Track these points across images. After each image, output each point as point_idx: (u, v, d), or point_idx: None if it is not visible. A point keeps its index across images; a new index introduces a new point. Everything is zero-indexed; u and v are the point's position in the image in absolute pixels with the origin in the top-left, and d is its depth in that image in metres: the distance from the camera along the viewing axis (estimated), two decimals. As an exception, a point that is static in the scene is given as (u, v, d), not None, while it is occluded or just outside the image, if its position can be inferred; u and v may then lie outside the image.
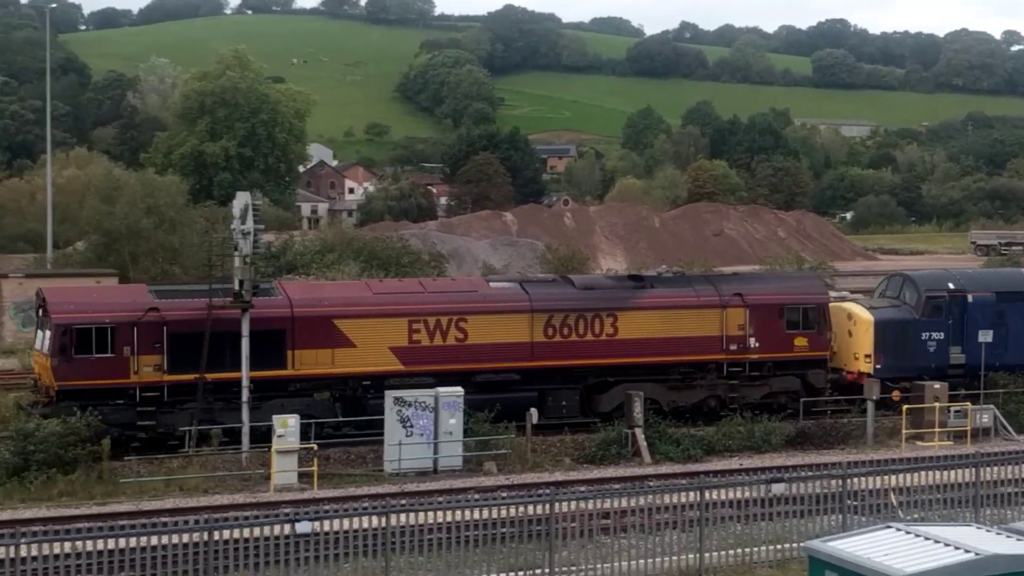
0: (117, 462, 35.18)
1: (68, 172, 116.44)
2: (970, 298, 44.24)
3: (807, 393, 42.68)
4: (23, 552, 23.79)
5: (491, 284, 42.32)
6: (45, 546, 24.21)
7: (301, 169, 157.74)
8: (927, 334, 43.78)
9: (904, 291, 44.73)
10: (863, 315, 43.74)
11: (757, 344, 42.16)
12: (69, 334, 36.32)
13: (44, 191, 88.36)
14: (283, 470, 34.98)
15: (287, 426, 35.34)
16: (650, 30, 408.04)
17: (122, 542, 24.54)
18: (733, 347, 41.97)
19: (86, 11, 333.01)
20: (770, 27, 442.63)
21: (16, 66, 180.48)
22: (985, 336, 43.78)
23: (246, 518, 25.49)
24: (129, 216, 66.44)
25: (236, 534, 24.79)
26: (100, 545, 24.41)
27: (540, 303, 40.44)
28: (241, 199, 37.80)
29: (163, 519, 29.04)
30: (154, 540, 24.64)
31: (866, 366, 43.09)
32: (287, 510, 28.92)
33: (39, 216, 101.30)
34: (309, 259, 67.71)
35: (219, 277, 37.91)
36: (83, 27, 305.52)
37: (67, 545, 24.43)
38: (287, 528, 24.90)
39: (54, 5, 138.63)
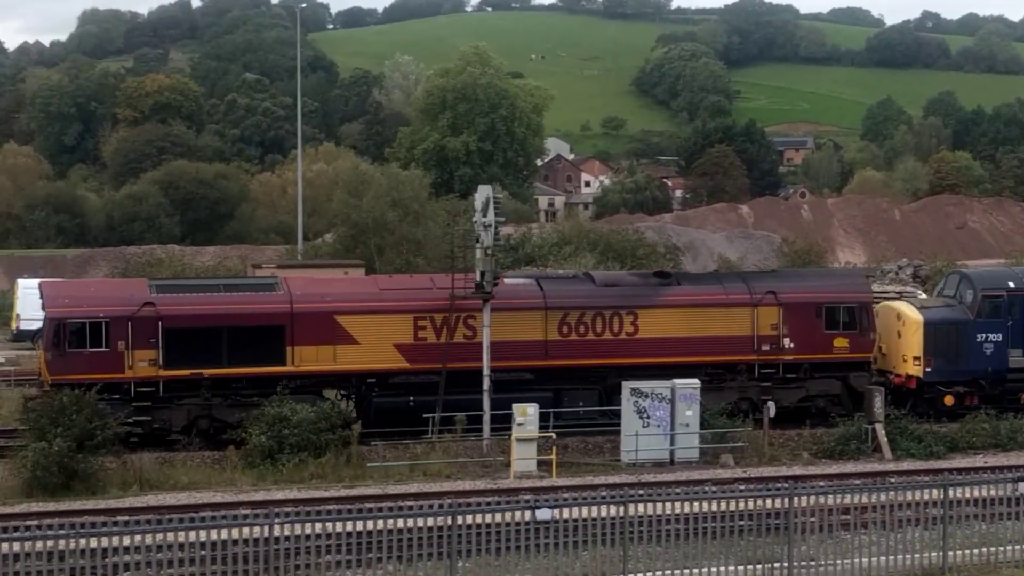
0: (364, 447, 36.30)
1: (317, 167, 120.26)
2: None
3: (850, 397, 40.52)
4: (276, 532, 24.84)
5: (506, 280, 40.30)
6: (297, 527, 25.19)
7: (539, 163, 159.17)
8: (983, 336, 40.93)
9: (961, 290, 42.12)
10: (912, 315, 41.18)
11: (792, 345, 40.23)
12: (63, 328, 36.23)
13: (294, 185, 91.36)
14: (522, 457, 35.60)
15: (526, 414, 35.94)
16: (890, 20, 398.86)
17: (369, 524, 25.37)
18: (765, 348, 40.09)
19: (333, 10, 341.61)
20: (1016, 15, 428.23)
21: (268, 64, 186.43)
22: None
23: (488, 504, 26.03)
24: (375, 209, 68.20)
25: (478, 519, 25.35)
26: (348, 527, 25.29)
27: (555, 300, 39.15)
28: (482, 192, 38.58)
29: (408, 503, 29.90)
30: (399, 523, 25.37)
31: (914, 369, 40.73)
32: (527, 497, 29.47)
33: (290, 209, 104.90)
34: (546, 251, 68.50)
35: (461, 268, 38.64)
36: (331, 26, 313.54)
37: (317, 526, 25.37)
38: (527, 515, 25.33)
39: (304, 5, 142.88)
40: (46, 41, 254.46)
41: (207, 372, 36.73)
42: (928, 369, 40.48)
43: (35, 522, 28.27)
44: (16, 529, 26.14)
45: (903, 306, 42.27)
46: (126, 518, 28.07)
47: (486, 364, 37.25)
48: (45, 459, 32.42)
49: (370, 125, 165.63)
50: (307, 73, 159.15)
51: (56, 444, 32.53)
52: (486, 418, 37.27)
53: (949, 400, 40.59)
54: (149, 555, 24.52)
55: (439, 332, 38.11)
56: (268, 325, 37.01)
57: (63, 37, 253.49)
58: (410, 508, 27.67)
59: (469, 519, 25.22)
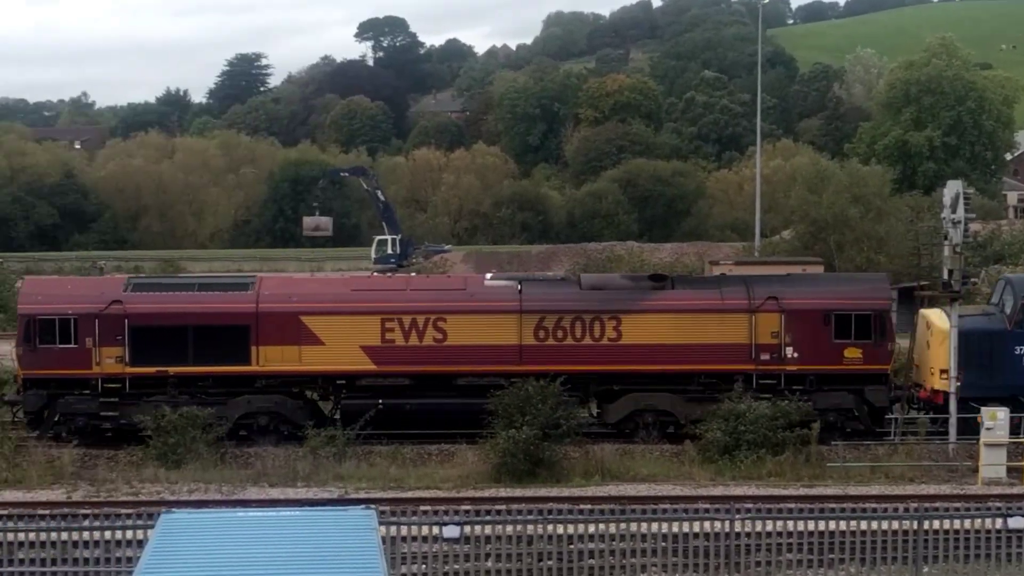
0: (823, 446, 35.70)
1: (774, 163, 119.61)
2: None
3: (868, 411, 36.86)
4: (736, 527, 24.86)
5: (486, 282, 38.64)
6: (757, 523, 25.13)
7: (1008, 157, 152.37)
8: (1022, 348, 36.52)
9: (1004, 297, 37.45)
10: (939, 324, 36.94)
11: (796, 354, 36.90)
12: (33, 324, 36.74)
13: (751, 182, 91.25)
14: (991, 463, 34.14)
15: (995, 419, 34.44)
16: None
17: (831, 524, 25.03)
18: (765, 356, 36.89)
19: (794, 5, 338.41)
20: None
21: (726, 62, 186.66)
22: None
23: (956, 509, 25.19)
24: (835, 205, 67.09)
25: (946, 524, 24.57)
26: (809, 526, 25.03)
27: (531, 303, 37.06)
28: (952, 188, 37.22)
29: (870, 505, 29.26)
30: (863, 525, 24.92)
31: (941, 383, 36.56)
32: (998, 504, 28.28)
33: (746, 206, 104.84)
34: (1018, 249, 65.53)
35: (925, 266, 37.47)
36: (790, 21, 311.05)
37: (778, 524, 25.23)
38: (998, 522, 24.36)
39: (766, 1, 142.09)
40: (513, 45, 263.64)
41: (172, 370, 36.83)
42: (959, 383, 36.18)
43: (503, 507, 29.48)
44: (488, 512, 27.30)
45: (932, 314, 38.13)
46: (589, 507, 28.71)
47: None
48: (513, 446, 33.59)
49: (829, 120, 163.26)
50: (766, 69, 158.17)
51: (523, 432, 33.67)
52: (952, 421, 35.98)
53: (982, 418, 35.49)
54: (611, 544, 25.05)
55: (407, 334, 36.98)
56: (233, 325, 36.88)
57: (528, 40, 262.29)
58: (874, 510, 27.08)
59: (936, 524, 24.49)
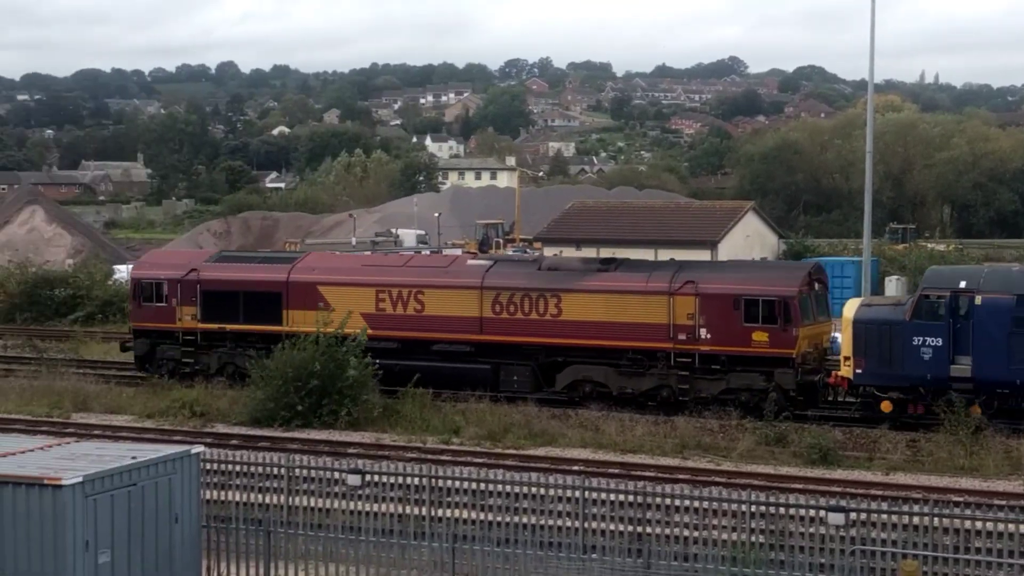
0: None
1: None
2: (978, 300, 36.20)
3: (779, 393, 38.31)
4: None
5: (467, 262, 44.86)
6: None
7: None
8: (919, 339, 36.55)
9: (916, 289, 38.54)
10: (846, 313, 37.87)
11: (709, 335, 39.28)
12: (138, 286, 46.52)
13: None
14: None
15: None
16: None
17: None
18: (682, 336, 39.50)
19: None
20: None
21: None
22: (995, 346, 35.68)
23: None
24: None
25: None
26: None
27: (492, 281, 42.03)
28: None
29: None
30: None
31: (846, 370, 37.46)
32: None
33: None
34: None
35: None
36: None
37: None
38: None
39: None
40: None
41: (229, 327, 44.91)
42: (858, 371, 37.20)
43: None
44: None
45: (848, 304, 38.97)
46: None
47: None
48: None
49: None
50: None
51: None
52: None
53: (886, 406, 36.90)
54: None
55: (395, 304, 42.88)
56: (270, 292, 44.48)
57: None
58: None
59: None
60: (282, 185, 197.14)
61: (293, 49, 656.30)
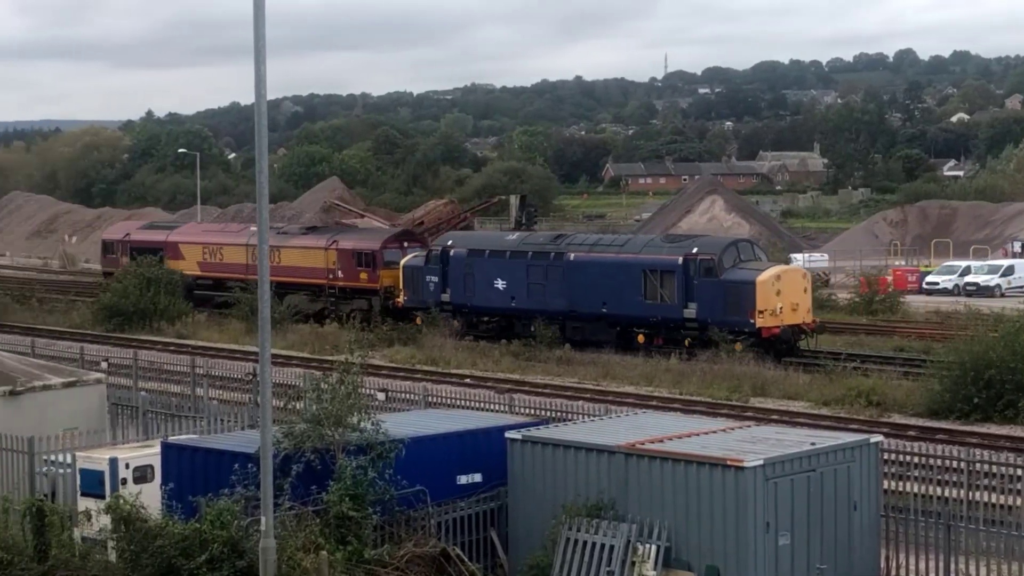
0: None
1: None
2: (452, 252, 57.50)
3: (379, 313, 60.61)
4: None
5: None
6: None
7: None
8: (429, 278, 57.69)
9: None
10: (401, 262, 60.64)
11: (341, 275, 63.40)
12: (104, 244, 78.35)
13: None
14: None
15: None
16: None
17: None
18: (330, 276, 63.74)
19: None
20: None
21: None
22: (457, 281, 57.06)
23: None
24: None
25: None
26: None
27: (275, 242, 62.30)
28: None
29: None
30: None
31: (401, 298, 59.78)
32: None
33: None
34: None
35: None
36: None
37: None
38: None
39: None
40: None
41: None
42: (406, 298, 59.16)
43: None
44: None
45: (404, 259, 60.99)
46: None
47: None
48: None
49: None
50: None
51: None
52: None
53: (418, 320, 57.17)
54: None
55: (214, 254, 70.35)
56: (156, 250, 71.99)
57: None
58: None
59: None
60: (960, 173, 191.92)
61: (978, 34, 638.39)
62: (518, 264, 55.11)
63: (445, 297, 56.77)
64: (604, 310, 52.42)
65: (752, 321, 48.47)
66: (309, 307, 62.74)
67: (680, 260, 50.65)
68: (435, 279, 57.22)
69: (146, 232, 77.94)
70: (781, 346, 49.04)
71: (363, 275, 61.87)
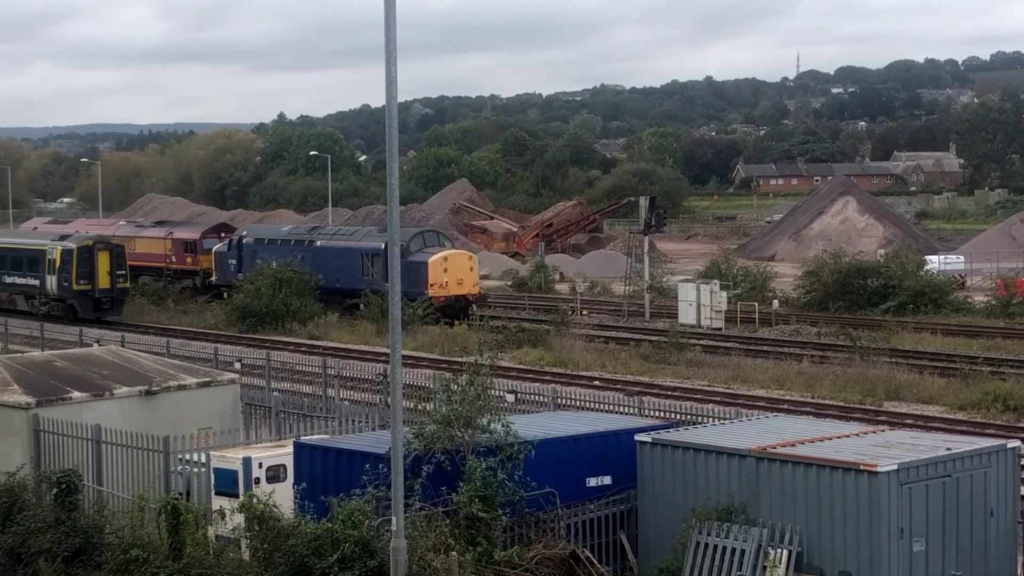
0: None
1: None
2: (244, 241, 75.25)
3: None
4: None
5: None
6: None
7: None
8: (229, 261, 74.57)
9: None
10: (215, 248, 78.19)
11: (174, 260, 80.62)
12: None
13: None
14: None
15: None
16: None
17: None
18: (167, 261, 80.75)
19: None
20: None
21: None
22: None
23: None
24: None
25: None
26: None
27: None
28: None
29: None
30: None
31: (214, 277, 76.98)
32: None
33: None
34: None
35: None
36: None
37: None
38: None
39: None
40: None
41: None
42: (215, 277, 75.79)
43: None
44: None
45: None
46: None
47: None
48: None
49: None
50: None
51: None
52: None
53: (226, 295, 71.21)
54: None
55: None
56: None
57: None
58: None
59: None
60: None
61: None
62: (286, 249, 70.84)
63: (240, 276, 70.10)
64: (338, 284, 67.51)
65: (426, 292, 62.82)
66: (155, 285, 78.44)
67: (383, 246, 63.60)
68: (233, 262, 73.85)
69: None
70: (449, 311, 62.71)
71: (188, 259, 79.83)
